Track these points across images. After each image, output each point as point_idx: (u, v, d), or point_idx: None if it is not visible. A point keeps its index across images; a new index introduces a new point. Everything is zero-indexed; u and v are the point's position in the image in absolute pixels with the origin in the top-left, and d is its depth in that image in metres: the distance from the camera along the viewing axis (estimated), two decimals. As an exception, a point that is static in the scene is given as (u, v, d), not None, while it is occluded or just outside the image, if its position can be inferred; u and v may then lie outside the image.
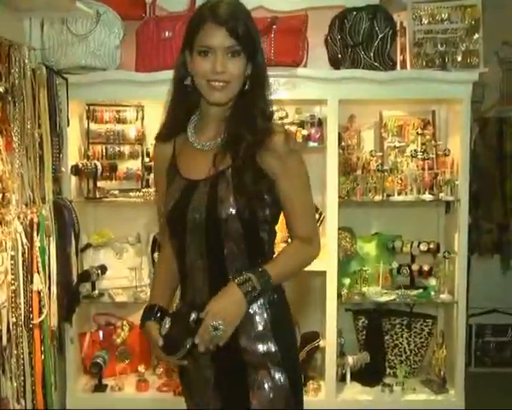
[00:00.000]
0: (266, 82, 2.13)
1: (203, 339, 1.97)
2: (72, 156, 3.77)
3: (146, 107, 4.03)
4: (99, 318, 4.13)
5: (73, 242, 3.50)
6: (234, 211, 2.00)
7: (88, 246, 3.90)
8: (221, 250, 2.06)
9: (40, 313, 3.11)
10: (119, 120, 4.00)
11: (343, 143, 3.91)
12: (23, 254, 2.96)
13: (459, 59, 3.77)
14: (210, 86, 2.05)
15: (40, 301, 3.11)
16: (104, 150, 3.97)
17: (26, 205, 3.06)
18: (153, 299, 2.22)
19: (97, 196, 3.83)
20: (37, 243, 3.09)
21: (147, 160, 4.03)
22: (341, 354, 3.97)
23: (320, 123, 3.88)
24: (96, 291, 3.86)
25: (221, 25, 2.00)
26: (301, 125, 3.87)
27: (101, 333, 4.03)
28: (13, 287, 2.89)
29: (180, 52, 2.14)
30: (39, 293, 3.10)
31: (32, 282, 3.06)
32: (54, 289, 3.23)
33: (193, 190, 2.07)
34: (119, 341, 3.99)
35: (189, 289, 2.13)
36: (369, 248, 4.12)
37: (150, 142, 4.04)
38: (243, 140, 2.05)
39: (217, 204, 2.02)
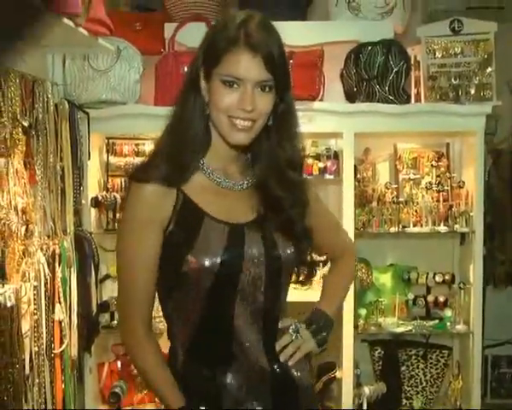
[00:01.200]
0: (296, 118, 1.88)
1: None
2: (92, 189, 3.84)
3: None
4: (117, 348, 4.16)
5: (93, 273, 3.56)
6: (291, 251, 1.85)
7: (107, 277, 3.95)
8: (279, 301, 1.91)
9: (61, 342, 3.16)
10: (138, 153, 4.07)
11: (358, 176, 3.96)
12: (45, 284, 3.01)
13: (472, 92, 3.83)
14: (232, 124, 1.74)
15: (61, 331, 3.17)
16: (123, 183, 4.04)
17: (48, 237, 3.12)
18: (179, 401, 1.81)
19: (116, 228, 3.89)
20: (58, 274, 3.15)
21: (165, 192, 4.09)
22: (357, 384, 3.99)
23: (336, 156, 3.94)
24: (115, 322, 3.90)
25: (256, 52, 1.68)
26: (317, 157, 3.93)
27: (119, 363, 4.07)
28: (35, 317, 2.93)
29: (191, 73, 1.82)
30: (60, 323, 3.16)
31: (53, 312, 3.11)
32: (74, 318, 3.28)
33: (242, 235, 1.80)
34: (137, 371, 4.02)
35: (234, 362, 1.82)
36: (385, 279, 4.15)
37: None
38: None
39: (277, 248, 1.82)
